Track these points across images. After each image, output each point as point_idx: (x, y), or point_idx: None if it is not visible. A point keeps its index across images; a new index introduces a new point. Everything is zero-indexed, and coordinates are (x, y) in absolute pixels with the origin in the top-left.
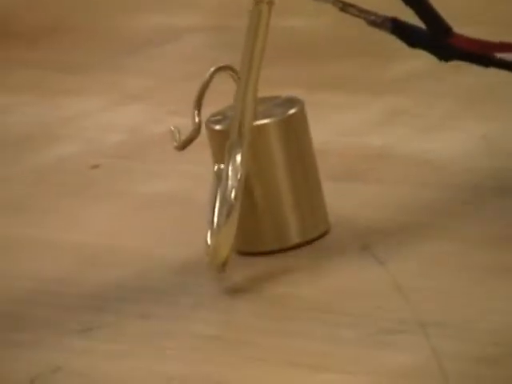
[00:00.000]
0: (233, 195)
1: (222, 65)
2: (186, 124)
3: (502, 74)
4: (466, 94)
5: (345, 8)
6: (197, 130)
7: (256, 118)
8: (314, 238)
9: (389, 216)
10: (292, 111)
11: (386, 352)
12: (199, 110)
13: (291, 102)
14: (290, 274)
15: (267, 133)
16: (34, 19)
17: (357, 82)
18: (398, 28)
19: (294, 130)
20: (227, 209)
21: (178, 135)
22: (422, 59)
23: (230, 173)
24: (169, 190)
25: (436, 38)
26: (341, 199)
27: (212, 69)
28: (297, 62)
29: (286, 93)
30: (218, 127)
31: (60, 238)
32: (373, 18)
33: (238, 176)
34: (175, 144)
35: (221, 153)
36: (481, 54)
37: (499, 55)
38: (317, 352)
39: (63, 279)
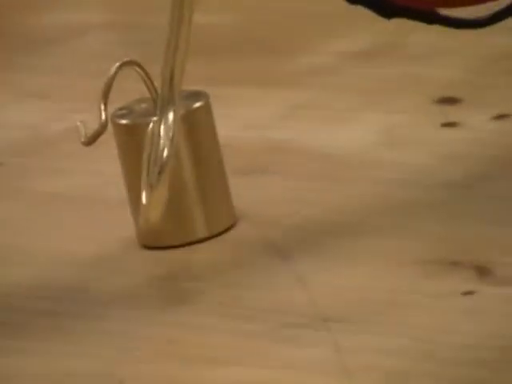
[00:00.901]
0: (165, 154)
1: (127, 59)
2: (90, 121)
3: (404, 67)
4: (368, 87)
5: None
6: (104, 124)
7: None
8: (220, 231)
9: (292, 210)
10: (197, 104)
11: (289, 346)
12: (106, 105)
13: (196, 95)
14: (194, 269)
15: None
16: None
17: (260, 78)
18: None
19: (199, 123)
20: (159, 168)
21: (84, 130)
22: (324, 56)
23: (162, 132)
24: (74, 187)
25: None
26: (246, 193)
27: (117, 63)
28: (200, 59)
29: (191, 87)
30: (124, 121)
31: None
32: None
33: (170, 134)
34: (82, 139)
35: (127, 147)
36: (424, 10)
37: (443, 12)
38: (219, 346)
39: None
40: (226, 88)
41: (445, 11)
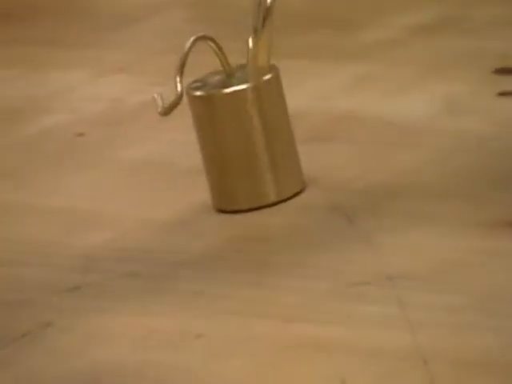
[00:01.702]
0: (268, 0)
1: (201, 34)
2: (167, 93)
3: (466, 39)
4: (431, 59)
5: None
6: (180, 96)
7: (232, 84)
8: (289, 196)
9: (358, 175)
10: (268, 77)
11: (355, 303)
12: (181, 77)
13: (266, 68)
14: (265, 231)
15: (244, 97)
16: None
17: (326, 51)
18: None
19: (270, 94)
20: (263, 13)
21: (161, 101)
22: (389, 30)
23: None
24: (151, 155)
25: None
26: (314, 160)
27: (192, 38)
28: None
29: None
30: (198, 93)
31: (47, 203)
32: None
33: None
34: (159, 110)
35: (201, 118)
36: None
37: None
38: (290, 303)
39: (51, 241)
40: (295, 61)
41: None
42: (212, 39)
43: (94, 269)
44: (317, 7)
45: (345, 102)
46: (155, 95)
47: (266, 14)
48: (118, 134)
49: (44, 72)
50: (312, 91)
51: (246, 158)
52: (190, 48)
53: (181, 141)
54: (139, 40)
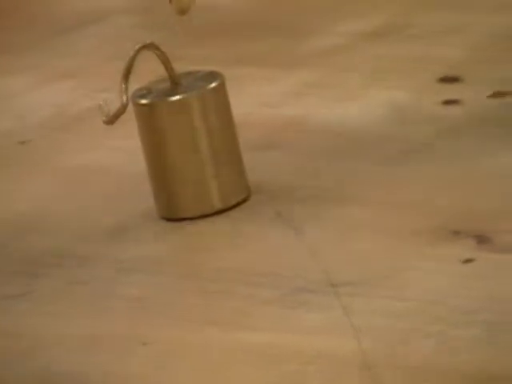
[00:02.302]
0: None
1: (147, 42)
2: (114, 99)
3: (411, 46)
4: (376, 66)
5: None
6: (125, 104)
7: (177, 92)
8: (235, 204)
9: (304, 183)
10: (213, 84)
11: (300, 311)
12: (126, 85)
13: (212, 75)
14: (210, 239)
15: (190, 105)
16: None
17: (272, 58)
18: None
19: (216, 102)
20: None
21: (106, 109)
22: (334, 36)
23: None
24: (98, 162)
25: None
26: (260, 168)
27: (137, 46)
28: (216, 40)
29: (207, 68)
30: (143, 101)
31: None
32: None
33: None
34: (104, 118)
35: (146, 127)
36: None
37: None
38: (235, 310)
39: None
40: (242, 68)
41: None
42: (157, 47)
43: (39, 274)
44: (260, 14)
45: (291, 109)
46: (101, 103)
47: None
48: (62, 140)
49: None
50: (258, 98)
51: (190, 165)
52: (135, 55)
53: (130, 149)
54: (86, 46)
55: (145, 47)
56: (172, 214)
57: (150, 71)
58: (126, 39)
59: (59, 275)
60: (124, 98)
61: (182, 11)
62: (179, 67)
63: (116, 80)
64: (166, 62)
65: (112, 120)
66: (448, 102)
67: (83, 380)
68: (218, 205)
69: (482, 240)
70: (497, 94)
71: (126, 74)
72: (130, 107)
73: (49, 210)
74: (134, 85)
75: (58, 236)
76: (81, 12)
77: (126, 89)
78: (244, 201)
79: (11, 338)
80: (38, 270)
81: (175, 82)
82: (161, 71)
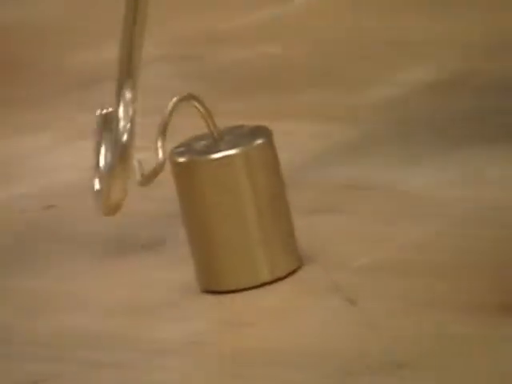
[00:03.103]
0: (125, 136)
1: (185, 94)
2: (149, 159)
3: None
4: (441, 121)
5: None
6: (162, 163)
7: (219, 149)
8: (285, 275)
9: (363, 250)
10: (259, 141)
11: None
12: (163, 142)
13: (258, 131)
14: (254, 315)
15: (233, 163)
16: None
17: (326, 111)
18: None
19: (262, 160)
20: (120, 150)
21: (141, 169)
22: (392, 87)
23: (121, 114)
24: (128, 229)
25: None
26: (312, 233)
27: (175, 99)
28: (262, 93)
29: (251, 123)
30: (182, 159)
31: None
32: None
33: (130, 113)
34: (139, 179)
35: (186, 188)
36: None
37: None
38: None
39: (10, 326)
40: (292, 122)
41: None
42: (197, 99)
43: (65, 357)
44: (314, 64)
45: (345, 169)
46: (135, 162)
47: (124, 149)
48: (91, 205)
49: (12, 136)
50: (308, 155)
51: (234, 231)
52: (173, 109)
53: (165, 213)
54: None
55: (184, 99)
56: (215, 287)
57: (189, 126)
58: (161, 91)
59: (86, 358)
60: (160, 156)
61: (145, 182)
62: (221, 122)
63: (149, 136)
64: (206, 116)
65: (147, 181)
66: None
67: None
68: (266, 276)
69: None
70: None
71: (163, 130)
72: (168, 166)
73: (80, 286)
74: (173, 142)
75: (89, 314)
76: (107, 64)
77: (164, 146)
78: (295, 271)
79: None
80: (65, 354)
81: (217, 138)
82: (201, 126)
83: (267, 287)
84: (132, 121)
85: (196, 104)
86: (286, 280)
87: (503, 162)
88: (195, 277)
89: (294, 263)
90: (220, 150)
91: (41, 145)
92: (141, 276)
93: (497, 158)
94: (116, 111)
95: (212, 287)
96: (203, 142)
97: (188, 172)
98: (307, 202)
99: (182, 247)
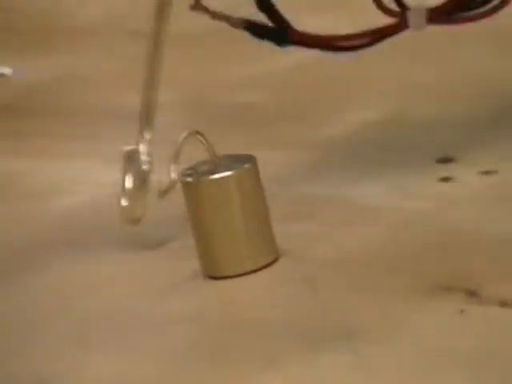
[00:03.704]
0: (145, 166)
1: (192, 130)
2: (163, 179)
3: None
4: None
5: (213, 16)
6: (174, 182)
7: (218, 171)
8: (265, 265)
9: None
10: (247, 165)
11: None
12: (176, 166)
13: (246, 158)
14: (246, 294)
15: (227, 184)
16: (56, 97)
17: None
18: (250, 27)
19: (249, 181)
20: (141, 176)
21: (159, 186)
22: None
23: (141, 149)
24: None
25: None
26: (289, 236)
27: (184, 134)
28: (241, 129)
29: (240, 152)
30: (189, 179)
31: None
32: (233, 20)
33: (148, 149)
34: (158, 193)
35: (192, 201)
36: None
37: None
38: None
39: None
40: (261, 151)
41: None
42: (201, 134)
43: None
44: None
45: (310, 185)
46: (155, 182)
47: (144, 176)
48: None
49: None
50: (283, 176)
51: (227, 233)
52: (184, 141)
53: (176, 217)
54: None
55: (192, 134)
56: (212, 273)
57: (196, 153)
58: (172, 127)
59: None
60: (173, 176)
61: (161, 195)
62: (220, 151)
63: (165, 163)
64: (208, 147)
65: (164, 194)
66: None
67: None
68: (250, 266)
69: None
70: None
71: (176, 157)
72: (178, 183)
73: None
74: (181, 165)
75: None
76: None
77: (176, 169)
78: (274, 262)
79: None
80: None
81: (216, 163)
82: (205, 154)
83: (252, 274)
84: (150, 154)
85: (200, 137)
86: (266, 269)
87: (424, 179)
88: (199, 266)
89: (273, 256)
90: (217, 173)
91: (90, 167)
92: (153, 267)
93: (420, 176)
94: (137, 147)
95: (211, 274)
96: (205, 166)
97: (194, 189)
98: (281, 211)
99: (189, 243)
